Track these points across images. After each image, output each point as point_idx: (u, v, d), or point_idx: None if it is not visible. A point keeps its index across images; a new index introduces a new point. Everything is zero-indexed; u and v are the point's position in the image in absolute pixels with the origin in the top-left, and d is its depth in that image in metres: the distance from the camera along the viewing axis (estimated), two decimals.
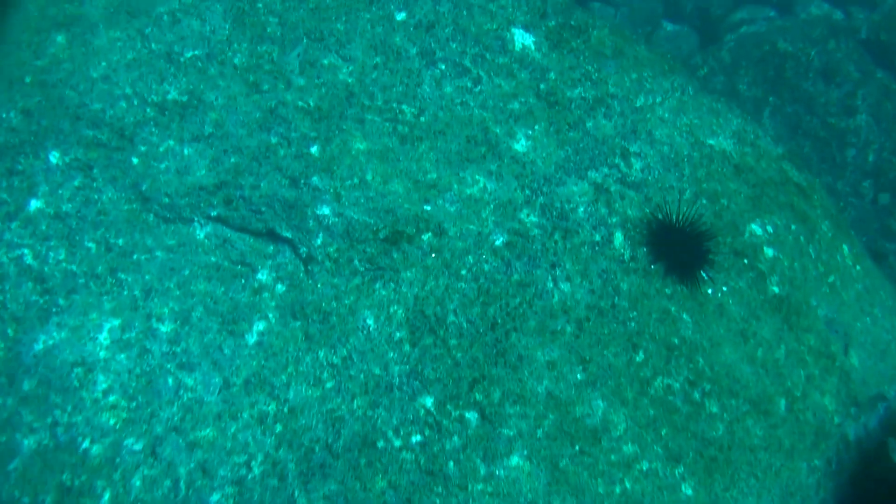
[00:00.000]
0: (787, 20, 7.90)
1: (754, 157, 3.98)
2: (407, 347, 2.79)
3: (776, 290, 3.40)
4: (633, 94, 3.87)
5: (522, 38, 3.84)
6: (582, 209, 3.25)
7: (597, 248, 3.15)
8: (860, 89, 6.88)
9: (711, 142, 3.89)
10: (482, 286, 2.95)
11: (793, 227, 3.71)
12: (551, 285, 3.00)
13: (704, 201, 3.54)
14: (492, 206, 3.19)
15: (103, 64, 3.29)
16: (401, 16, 3.73)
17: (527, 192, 3.26)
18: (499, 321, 2.88)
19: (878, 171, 6.84)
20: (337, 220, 3.03)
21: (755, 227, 3.55)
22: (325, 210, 3.05)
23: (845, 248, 3.99)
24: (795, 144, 6.88)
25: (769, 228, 3.59)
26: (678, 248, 3.25)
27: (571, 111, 3.64)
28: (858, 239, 4.39)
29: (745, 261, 3.41)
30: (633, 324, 2.99)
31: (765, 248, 3.50)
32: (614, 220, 3.26)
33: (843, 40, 7.03)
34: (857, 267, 3.99)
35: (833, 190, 6.83)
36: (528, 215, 3.18)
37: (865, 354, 3.58)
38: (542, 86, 3.69)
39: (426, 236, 3.06)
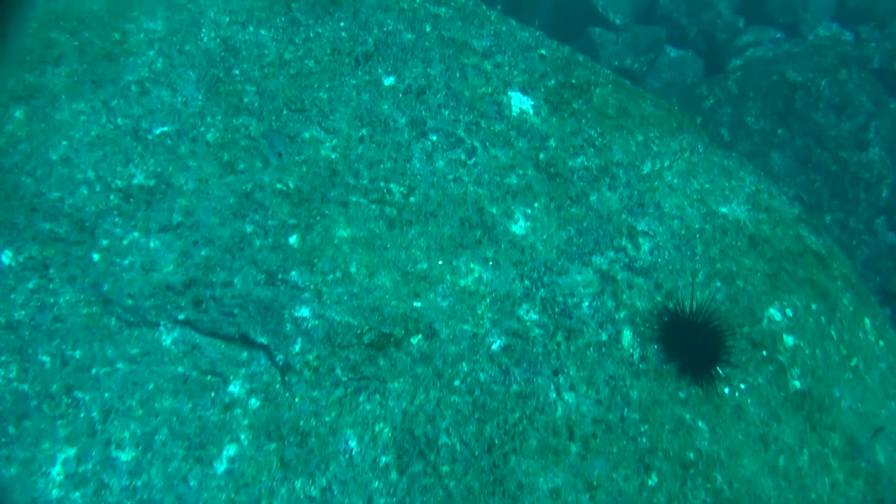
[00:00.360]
0: (795, 44, 7.62)
1: (770, 224, 3.71)
2: (393, 475, 2.52)
3: (797, 384, 3.13)
4: (640, 159, 3.59)
5: (520, 102, 3.55)
6: (587, 303, 2.97)
7: (603, 350, 2.87)
8: (873, 121, 6.59)
9: (724, 210, 3.61)
10: (477, 400, 2.68)
11: (813, 306, 3.44)
12: (554, 396, 2.73)
13: (718, 283, 3.27)
14: (488, 300, 2.92)
15: (64, 143, 3.01)
16: (389, 81, 3.45)
17: (526, 282, 2.99)
18: (496, 441, 2.61)
19: (892, 206, 6.56)
20: (317, 322, 2.76)
21: (774, 312, 3.27)
22: (305, 311, 2.77)
23: (867, 322, 3.72)
24: (806, 179, 6.60)
25: (788, 312, 3.32)
26: (692, 343, 2.98)
27: (573, 183, 3.37)
28: (879, 307, 4.12)
29: (764, 352, 3.14)
30: (644, 439, 2.72)
31: (784, 336, 3.23)
32: (622, 314, 2.98)
33: (855, 70, 6.73)
34: (881, 342, 3.72)
35: (845, 227, 6.55)
36: (527, 312, 2.91)
37: (892, 448, 3.31)
38: (541, 155, 3.41)
39: (415, 339, 2.78)
